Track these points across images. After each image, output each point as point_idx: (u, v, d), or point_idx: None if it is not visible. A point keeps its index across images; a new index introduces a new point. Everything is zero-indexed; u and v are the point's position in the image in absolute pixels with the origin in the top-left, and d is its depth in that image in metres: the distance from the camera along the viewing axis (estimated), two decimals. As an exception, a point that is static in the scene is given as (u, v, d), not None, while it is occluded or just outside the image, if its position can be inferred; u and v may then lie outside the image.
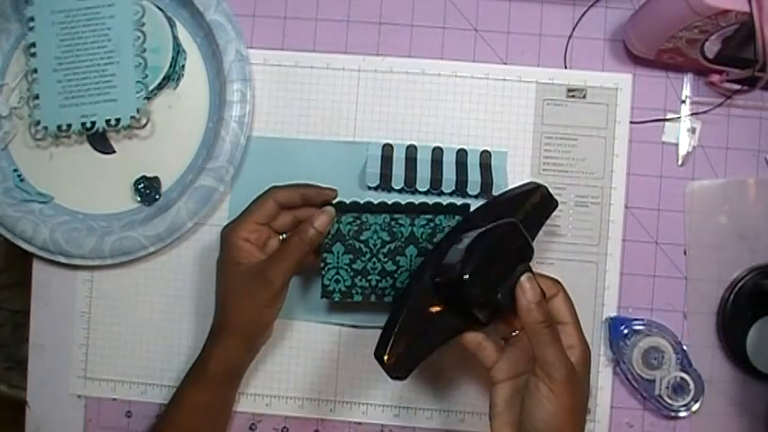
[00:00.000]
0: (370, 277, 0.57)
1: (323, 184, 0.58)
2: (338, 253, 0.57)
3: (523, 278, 0.47)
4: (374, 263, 0.57)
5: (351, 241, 0.57)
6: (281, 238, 0.58)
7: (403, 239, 0.57)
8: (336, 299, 0.57)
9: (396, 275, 0.57)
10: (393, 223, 0.57)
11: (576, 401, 0.47)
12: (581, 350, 0.48)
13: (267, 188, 0.57)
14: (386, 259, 0.57)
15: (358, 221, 0.57)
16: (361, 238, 0.57)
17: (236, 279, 0.55)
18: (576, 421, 0.47)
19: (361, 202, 0.57)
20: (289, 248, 0.55)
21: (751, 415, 0.62)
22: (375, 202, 0.57)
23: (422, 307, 0.50)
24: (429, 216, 0.57)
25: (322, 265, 0.57)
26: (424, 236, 0.57)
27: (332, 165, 0.63)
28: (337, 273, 0.57)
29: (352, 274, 0.57)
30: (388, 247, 0.57)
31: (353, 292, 0.57)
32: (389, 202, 0.57)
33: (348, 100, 0.63)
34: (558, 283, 0.50)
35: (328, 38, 0.64)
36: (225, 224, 0.58)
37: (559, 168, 0.63)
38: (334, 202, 0.57)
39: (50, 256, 0.62)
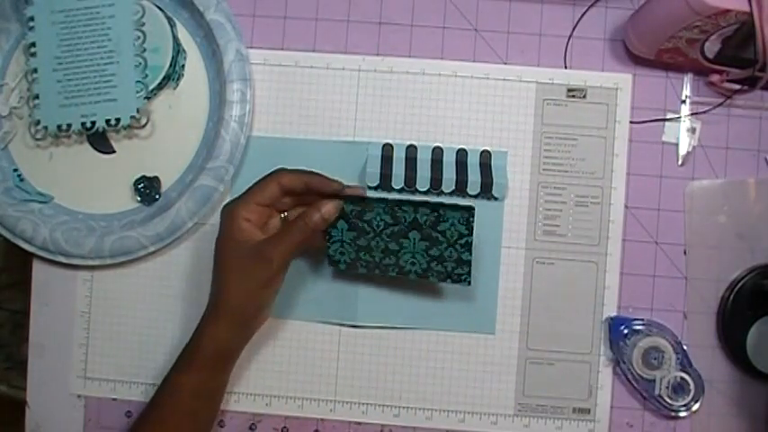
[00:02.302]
0: (373, 254, 0.57)
1: (329, 175, 0.57)
2: (342, 229, 0.57)
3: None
4: (377, 242, 0.57)
5: (354, 220, 0.57)
6: (282, 216, 0.58)
7: (406, 224, 0.57)
8: (342, 268, 0.58)
9: (399, 255, 0.57)
10: (396, 209, 0.56)
11: None
12: None
13: (274, 169, 0.57)
14: (389, 239, 0.57)
15: (361, 203, 0.57)
16: (365, 218, 0.57)
17: (235, 257, 0.55)
18: None
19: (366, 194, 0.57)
20: (291, 230, 0.55)
21: (751, 415, 0.62)
22: (378, 196, 0.57)
23: None
24: (432, 206, 0.56)
25: (327, 237, 0.57)
26: (427, 223, 0.56)
27: (332, 165, 0.63)
28: (342, 246, 0.57)
29: (356, 248, 0.57)
30: (391, 229, 0.57)
31: (359, 264, 0.58)
32: (391, 197, 0.57)
33: (348, 100, 0.63)
34: None
35: (328, 38, 0.64)
36: (226, 202, 0.57)
37: (559, 168, 0.63)
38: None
39: (50, 255, 0.62)
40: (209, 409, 0.58)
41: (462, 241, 0.56)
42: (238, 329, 0.56)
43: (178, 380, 0.56)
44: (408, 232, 0.57)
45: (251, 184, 0.57)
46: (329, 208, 0.55)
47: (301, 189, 0.56)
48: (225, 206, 0.57)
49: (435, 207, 0.56)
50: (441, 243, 0.57)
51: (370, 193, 0.61)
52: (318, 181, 0.56)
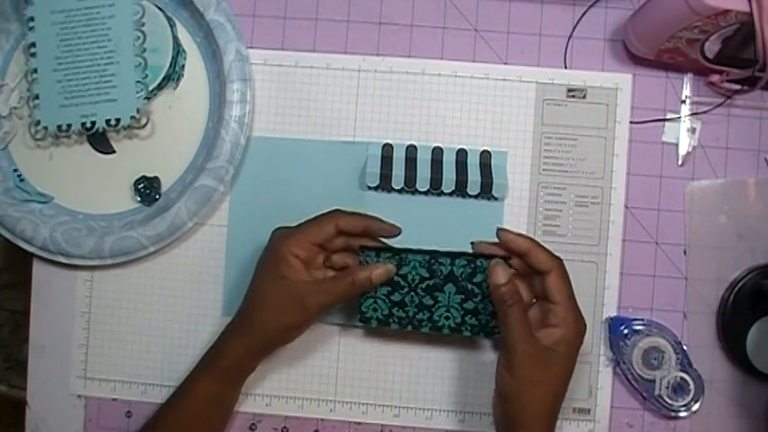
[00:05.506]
0: (407, 309, 0.57)
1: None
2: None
3: (493, 262, 0.53)
4: (412, 296, 0.57)
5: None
6: (326, 253, 0.58)
7: (442, 277, 0.56)
8: (374, 325, 0.58)
9: (433, 309, 0.57)
10: (433, 261, 0.56)
11: (541, 376, 0.52)
12: (564, 331, 0.52)
13: (331, 209, 0.57)
14: (424, 294, 0.57)
15: (397, 257, 0.57)
16: (400, 272, 0.57)
17: (275, 293, 0.55)
18: (540, 394, 0.52)
19: (399, 246, 0.57)
20: (336, 285, 0.55)
21: (751, 415, 0.62)
22: (414, 248, 0.57)
23: None
24: (469, 257, 0.56)
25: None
26: (463, 275, 0.56)
27: (332, 165, 0.63)
28: (375, 302, 0.57)
29: (389, 304, 0.57)
30: (426, 283, 0.57)
31: (391, 320, 0.57)
32: (428, 248, 0.57)
33: (348, 100, 0.63)
34: (557, 260, 0.54)
35: (328, 38, 0.64)
36: (279, 227, 0.57)
37: (559, 168, 0.63)
38: (370, 244, 0.57)
39: (50, 256, 0.62)
40: (222, 418, 0.59)
41: None
42: (262, 349, 0.57)
43: (197, 388, 0.57)
44: (444, 285, 0.57)
45: (307, 219, 0.56)
46: (381, 272, 0.55)
47: (358, 232, 0.56)
48: (277, 233, 0.57)
49: (472, 258, 0.56)
50: (476, 295, 0.56)
51: (370, 194, 0.61)
52: (377, 226, 0.57)
